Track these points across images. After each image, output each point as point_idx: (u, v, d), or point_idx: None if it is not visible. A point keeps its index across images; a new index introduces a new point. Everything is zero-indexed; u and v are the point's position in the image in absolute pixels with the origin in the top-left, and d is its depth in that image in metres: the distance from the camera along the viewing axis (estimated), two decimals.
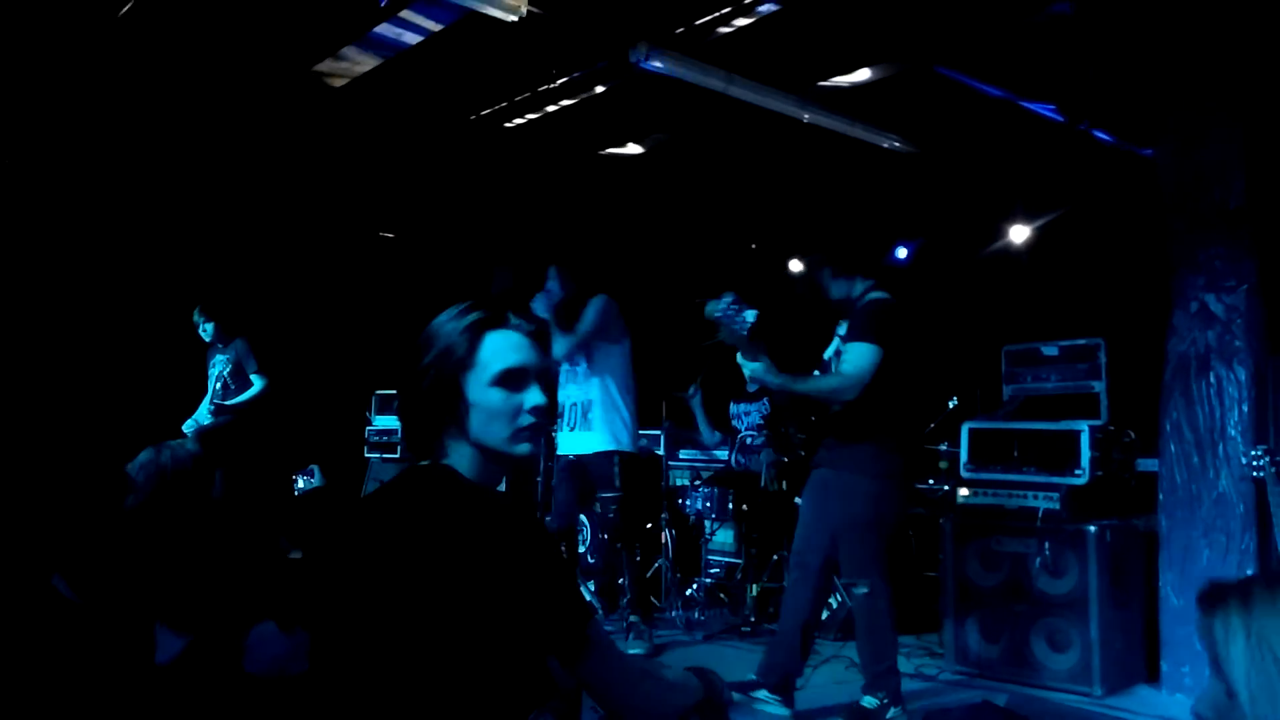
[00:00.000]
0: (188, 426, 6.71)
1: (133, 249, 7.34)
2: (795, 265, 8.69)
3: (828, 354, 4.35)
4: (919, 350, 4.18)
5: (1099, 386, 5.02)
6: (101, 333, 7.02)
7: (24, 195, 6.76)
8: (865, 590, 4.04)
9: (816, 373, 4.27)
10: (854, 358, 3.95)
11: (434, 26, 5.22)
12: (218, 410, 6.74)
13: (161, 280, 7.34)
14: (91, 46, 5.35)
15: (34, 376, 6.49)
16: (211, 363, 6.87)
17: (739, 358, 3.99)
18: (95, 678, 1.82)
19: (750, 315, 3.92)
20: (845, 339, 4.09)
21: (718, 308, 3.95)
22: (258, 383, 6.81)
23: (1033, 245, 7.18)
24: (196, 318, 6.83)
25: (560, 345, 5.16)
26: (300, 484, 6.41)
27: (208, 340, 6.91)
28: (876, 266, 4.30)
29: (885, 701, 4.00)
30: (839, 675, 4.71)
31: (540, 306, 5.18)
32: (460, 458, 1.65)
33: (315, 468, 6.48)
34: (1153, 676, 4.55)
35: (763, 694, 4.16)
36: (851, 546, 4.04)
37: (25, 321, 6.69)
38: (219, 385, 6.77)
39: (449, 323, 1.68)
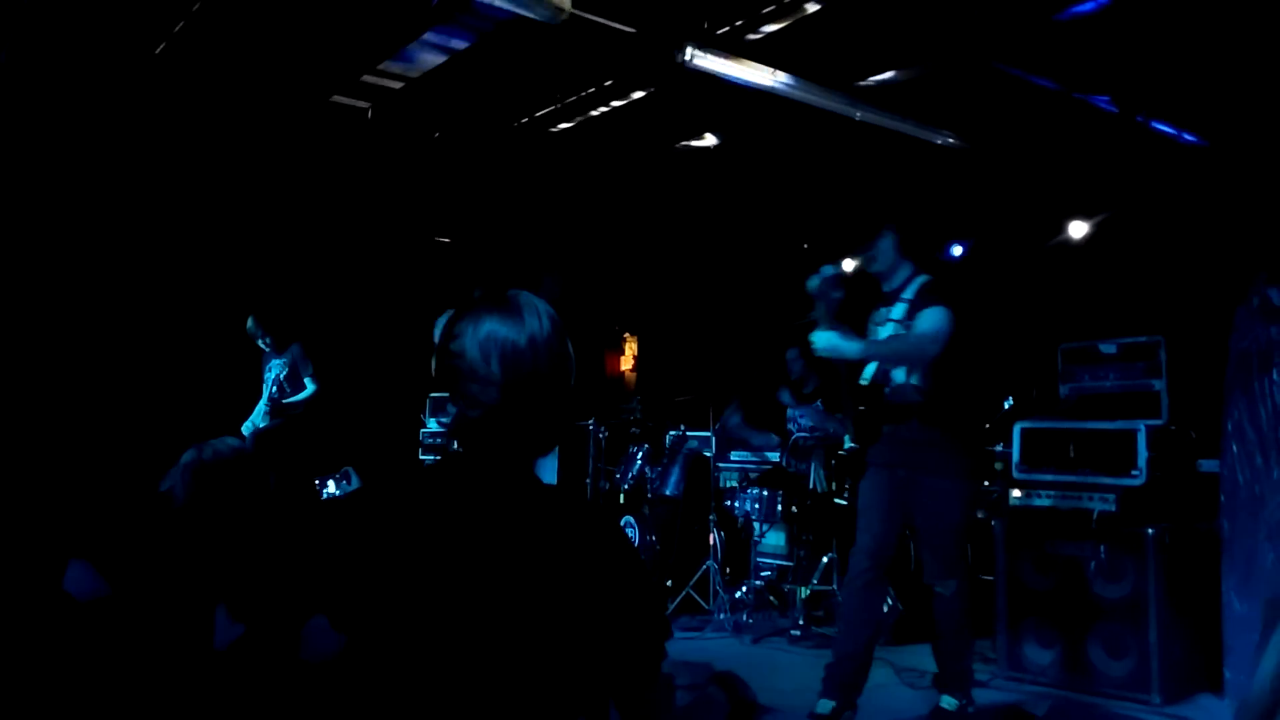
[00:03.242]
0: (245, 429, 6.85)
1: (186, 253, 7.50)
2: (848, 264, 8.59)
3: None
4: (979, 337, 4.15)
5: (1159, 385, 4.87)
6: (153, 336, 7.19)
7: (94, 206, 6.97)
8: (953, 589, 4.02)
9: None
10: (930, 318, 3.91)
11: (461, 45, 5.29)
12: (273, 412, 6.86)
13: (219, 285, 7.50)
14: (151, 54, 5.50)
15: (82, 380, 6.67)
16: (267, 367, 7.00)
17: (814, 334, 3.94)
18: (135, 667, 1.85)
19: (839, 294, 3.96)
20: (912, 311, 4.00)
21: (817, 281, 3.96)
22: (310, 386, 6.94)
23: (1090, 241, 7.01)
24: (251, 328, 6.96)
25: None
26: (333, 488, 6.40)
27: (264, 349, 7.04)
28: (927, 258, 4.25)
29: (964, 702, 4.00)
30: (887, 678, 4.66)
31: None
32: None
33: (350, 470, 6.48)
34: (1215, 685, 4.39)
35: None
36: (942, 549, 4.02)
37: (83, 328, 6.88)
38: (274, 389, 6.89)
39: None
